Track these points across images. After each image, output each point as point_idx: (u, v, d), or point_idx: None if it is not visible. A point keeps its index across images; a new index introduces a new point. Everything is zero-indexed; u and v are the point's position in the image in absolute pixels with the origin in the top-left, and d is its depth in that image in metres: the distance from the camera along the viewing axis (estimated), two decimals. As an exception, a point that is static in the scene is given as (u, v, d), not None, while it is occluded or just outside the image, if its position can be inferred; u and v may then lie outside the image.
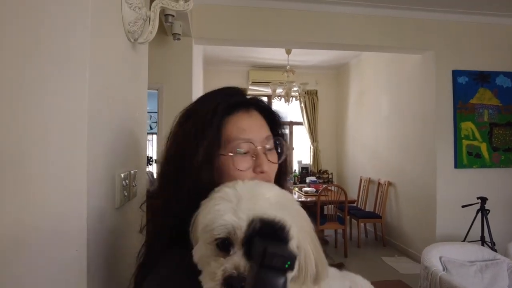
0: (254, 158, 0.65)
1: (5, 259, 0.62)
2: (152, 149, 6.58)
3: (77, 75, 0.69)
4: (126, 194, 0.89)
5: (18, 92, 0.66)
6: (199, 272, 0.50)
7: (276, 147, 0.70)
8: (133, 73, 1.03)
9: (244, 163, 0.64)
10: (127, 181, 0.90)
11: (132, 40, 0.99)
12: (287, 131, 0.78)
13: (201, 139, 0.63)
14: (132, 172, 0.96)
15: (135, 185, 0.98)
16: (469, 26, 3.60)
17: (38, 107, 0.66)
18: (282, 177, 0.73)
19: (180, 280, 0.56)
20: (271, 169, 0.68)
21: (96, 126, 0.72)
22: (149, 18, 0.99)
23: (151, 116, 6.57)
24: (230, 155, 0.64)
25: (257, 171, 0.65)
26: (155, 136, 5.67)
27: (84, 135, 0.67)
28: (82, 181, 0.67)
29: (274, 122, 0.72)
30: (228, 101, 0.67)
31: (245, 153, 0.65)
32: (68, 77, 0.68)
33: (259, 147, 0.65)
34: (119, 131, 0.89)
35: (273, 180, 0.69)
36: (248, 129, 0.66)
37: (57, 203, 0.65)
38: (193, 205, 0.59)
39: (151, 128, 6.56)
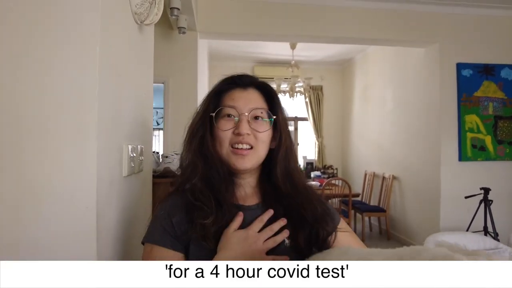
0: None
1: (23, 212, 0.68)
2: (159, 144, 6.65)
3: (88, 48, 0.73)
4: (133, 165, 0.94)
5: (34, 62, 0.71)
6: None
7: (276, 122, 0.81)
8: (139, 53, 1.08)
9: (225, 124, 0.77)
10: (134, 153, 0.95)
11: (139, 22, 1.04)
12: (285, 111, 0.86)
13: (200, 110, 0.81)
14: (139, 147, 1.01)
15: (142, 159, 1.03)
16: (473, 19, 3.60)
17: (52, 76, 0.71)
18: (275, 149, 0.82)
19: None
20: (257, 137, 0.78)
21: (105, 95, 0.77)
22: (155, 1, 1.04)
23: (157, 112, 6.65)
24: (212, 116, 0.78)
25: (235, 132, 0.76)
26: (161, 132, 5.73)
27: (94, 102, 0.72)
28: (93, 145, 0.71)
29: (273, 102, 0.83)
30: (226, 81, 0.82)
31: (228, 116, 0.78)
32: (80, 50, 0.73)
33: (243, 114, 0.77)
34: (127, 105, 0.94)
35: (259, 148, 0.78)
36: (236, 98, 0.79)
37: (69, 163, 0.70)
38: (196, 164, 0.76)
39: (157, 124, 6.64)
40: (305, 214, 0.76)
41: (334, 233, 0.79)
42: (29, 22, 0.71)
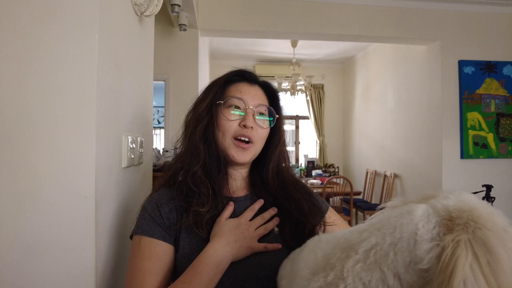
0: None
1: (23, 200, 0.67)
2: (160, 143, 6.64)
3: (86, 37, 0.73)
4: (133, 156, 0.93)
5: (32, 51, 0.70)
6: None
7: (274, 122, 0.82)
8: (139, 45, 1.08)
9: (231, 114, 0.77)
10: (133, 145, 0.94)
11: (139, 14, 1.03)
12: (284, 110, 0.88)
13: (207, 97, 0.80)
14: (139, 139, 1.00)
15: (142, 152, 1.03)
16: (475, 16, 3.58)
17: (50, 65, 0.70)
18: (271, 147, 0.83)
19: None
20: (258, 133, 0.79)
21: (104, 85, 0.76)
22: (155, -8, 1.03)
23: (158, 110, 6.65)
24: (220, 104, 0.77)
25: (240, 124, 0.77)
26: (162, 131, 5.73)
27: (93, 91, 0.72)
28: (91, 134, 0.71)
29: (275, 102, 0.85)
30: (235, 72, 0.82)
31: (235, 107, 0.78)
32: (78, 38, 0.72)
33: (249, 107, 0.78)
34: (126, 96, 0.93)
35: (257, 144, 0.80)
36: (243, 91, 0.80)
37: (68, 152, 0.69)
38: (199, 150, 0.76)
39: (158, 123, 6.64)
40: (292, 207, 0.77)
41: (322, 224, 0.80)
42: (27, 10, 0.70)
